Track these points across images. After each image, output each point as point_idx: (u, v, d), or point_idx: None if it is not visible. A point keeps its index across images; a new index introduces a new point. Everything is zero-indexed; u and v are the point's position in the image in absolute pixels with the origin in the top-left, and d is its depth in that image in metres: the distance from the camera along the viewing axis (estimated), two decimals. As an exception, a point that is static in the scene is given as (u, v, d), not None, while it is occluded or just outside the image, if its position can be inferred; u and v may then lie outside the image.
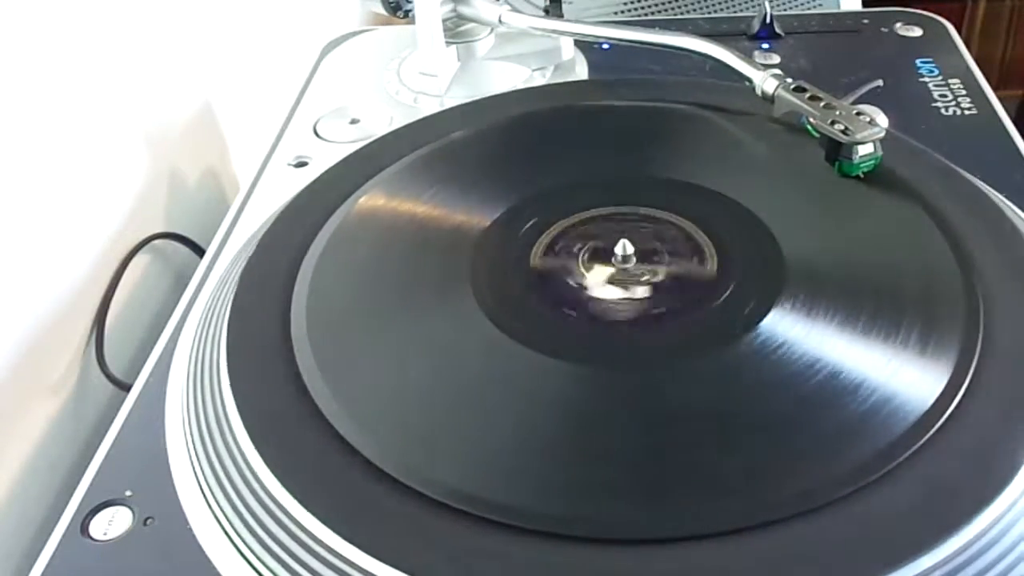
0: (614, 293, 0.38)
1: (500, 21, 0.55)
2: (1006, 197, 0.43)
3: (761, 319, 0.35)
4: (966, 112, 0.52)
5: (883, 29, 0.61)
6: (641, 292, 0.37)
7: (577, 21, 0.56)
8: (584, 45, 0.59)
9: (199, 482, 0.34)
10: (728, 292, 0.37)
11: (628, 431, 0.32)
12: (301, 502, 0.30)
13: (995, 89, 0.54)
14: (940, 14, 0.62)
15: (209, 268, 0.46)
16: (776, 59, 0.58)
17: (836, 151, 0.41)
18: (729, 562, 0.28)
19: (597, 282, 0.38)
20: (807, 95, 0.43)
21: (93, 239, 0.50)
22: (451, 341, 0.36)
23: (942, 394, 0.32)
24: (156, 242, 0.55)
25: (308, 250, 0.41)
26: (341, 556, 0.29)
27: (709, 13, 0.83)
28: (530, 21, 0.55)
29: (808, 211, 0.41)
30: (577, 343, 0.36)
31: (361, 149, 0.48)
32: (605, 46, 0.59)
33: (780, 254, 0.38)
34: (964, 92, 0.54)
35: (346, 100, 0.57)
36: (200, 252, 0.56)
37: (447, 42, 0.55)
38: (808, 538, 0.28)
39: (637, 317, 0.37)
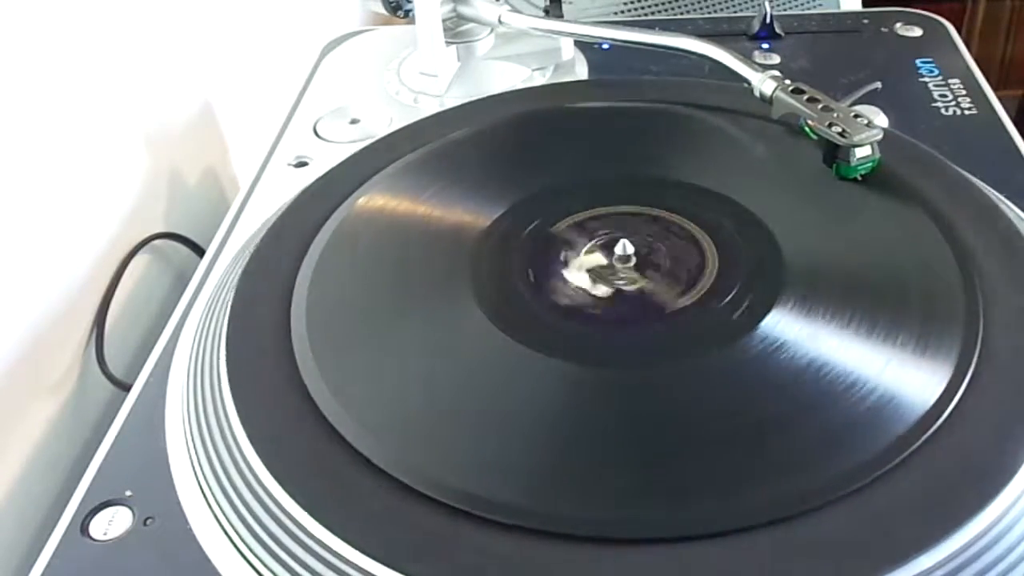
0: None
1: (500, 21, 0.55)
2: (1006, 197, 0.43)
3: (761, 319, 0.35)
4: (966, 112, 0.52)
5: (883, 29, 0.61)
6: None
7: (577, 21, 0.56)
8: (584, 45, 0.59)
9: (199, 482, 0.34)
10: (728, 292, 0.37)
11: (628, 431, 0.32)
12: (300, 502, 0.30)
13: (995, 89, 0.54)
14: (940, 14, 0.62)
15: (209, 268, 0.46)
16: (776, 59, 0.58)
17: (834, 153, 0.41)
18: (729, 562, 0.28)
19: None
20: (805, 97, 0.43)
21: (93, 239, 0.50)
22: (451, 341, 0.36)
23: (942, 394, 0.32)
24: (156, 242, 0.55)
25: (308, 250, 0.41)
26: (341, 556, 0.29)
27: (709, 13, 0.83)
28: (530, 21, 0.55)
29: (808, 211, 0.41)
30: (577, 343, 0.36)
31: (361, 149, 0.48)
32: (605, 46, 0.59)
33: (780, 254, 0.38)
34: (964, 92, 0.54)
35: (346, 100, 0.57)
36: (200, 252, 0.56)
37: (447, 42, 0.55)
38: (808, 538, 0.28)
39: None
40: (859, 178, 0.41)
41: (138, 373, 0.40)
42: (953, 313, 0.35)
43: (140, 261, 0.54)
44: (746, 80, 0.46)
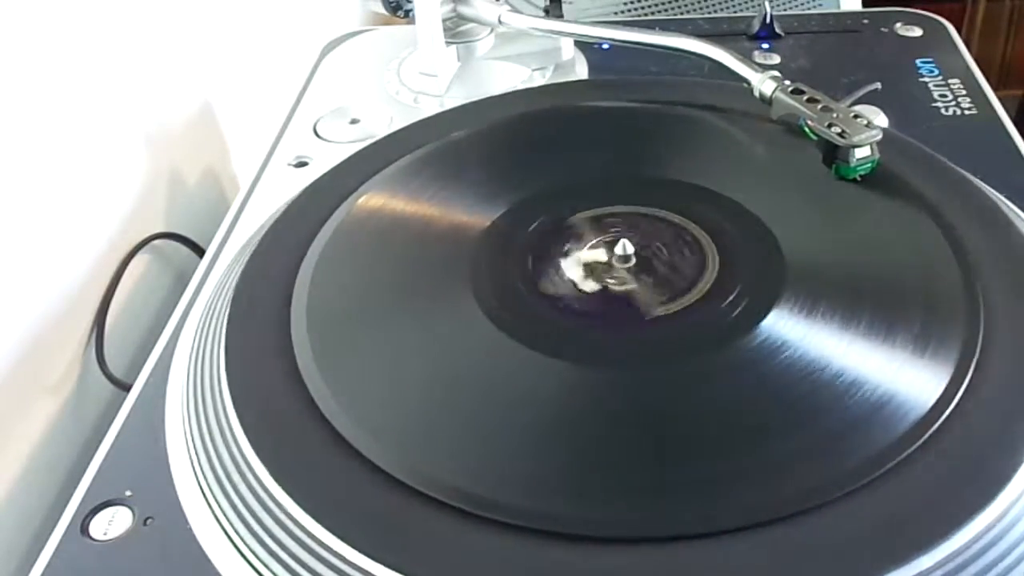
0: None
1: (500, 21, 0.55)
2: (1006, 197, 0.43)
3: (761, 319, 0.35)
4: (966, 112, 0.52)
5: (883, 29, 0.61)
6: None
7: (577, 21, 0.56)
8: (584, 45, 0.59)
9: (199, 482, 0.34)
10: (728, 292, 0.37)
11: (628, 431, 0.32)
12: (300, 503, 0.30)
13: (995, 89, 0.54)
14: (940, 14, 0.62)
15: (209, 268, 0.46)
16: (776, 59, 0.58)
17: (833, 154, 0.41)
18: (728, 562, 0.28)
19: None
20: (804, 97, 0.43)
21: (93, 239, 0.50)
22: (451, 341, 0.36)
23: (942, 394, 0.32)
24: (156, 242, 0.55)
25: (308, 250, 0.41)
26: (340, 556, 0.29)
27: (709, 13, 0.83)
28: (530, 21, 0.55)
29: (808, 211, 0.41)
30: (577, 343, 0.36)
31: (361, 149, 0.48)
32: (605, 46, 0.59)
33: (780, 254, 0.38)
34: (964, 92, 0.54)
35: (346, 100, 0.57)
36: (200, 252, 0.56)
37: (447, 42, 0.55)
38: (808, 538, 0.28)
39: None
40: (858, 179, 0.41)
41: (138, 373, 0.40)
42: (953, 313, 0.35)
43: (140, 261, 0.54)
44: (746, 80, 0.46)
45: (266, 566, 0.30)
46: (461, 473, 0.31)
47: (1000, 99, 0.53)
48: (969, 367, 0.33)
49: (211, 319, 0.39)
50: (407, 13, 0.58)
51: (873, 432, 0.31)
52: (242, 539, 0.31)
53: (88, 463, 0.36)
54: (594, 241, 0.40)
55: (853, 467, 0.30)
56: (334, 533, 0.29)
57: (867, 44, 0.60)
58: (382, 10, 0.58)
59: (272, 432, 0.33)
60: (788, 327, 0.35)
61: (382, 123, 0.54)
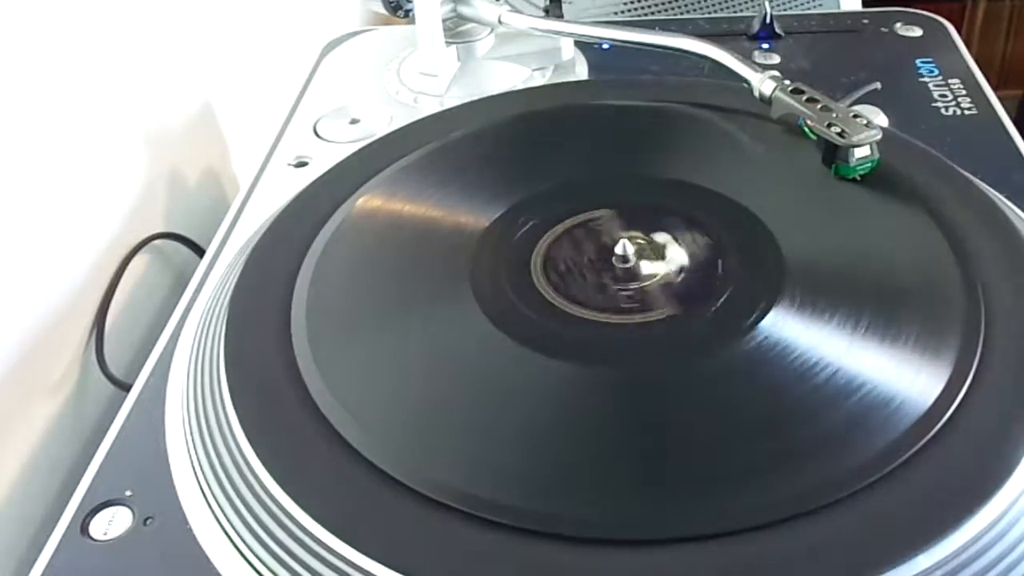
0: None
1: (500, 21, 0.55)
2: (1006, 197, 0.43)
3: (761, 319, 0.35)
4: (966, 112, 0.52)
5: (883, 29, 0.61)
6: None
7: (577, 21, 0.56)
8: (584, 45, 0.59)
9: (199, 482, 0.34)
10: (728, 292, 0.37)
11: (627, 431, 0.32)
12: (300, 502, 0.30)
13: (995, 89, 0.54)
14: (940, 14, 0.62)
15: (209, 268, 0.46)
16: (776, 59, 0.58)
17: (833, 154, 0.41)
18: (728, 562, 0.28)
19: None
20: (804, 97, 0.43)
21: (93, 239, 0.50)
22: (451, 341, 0.36)
23: (942, 394, 0.32)
24: (156, 242, 0.55)
25: (308, 250, 0.41)
26: (340, 556, 0.29)
27: (709, 13, 0.83)
28: (530, 21, 0.55)
29: (808, 211, 0.41)
30: (577, 343, 0.36)
31: (361, 149, 0.48)
32: (605, 46, 0.59)
33: (780, 254, 0.38)
34: (964, 92, 0.54)
35: (346, 100, 0.57)
36: (200, 252, 0.56)
37: (447, 42, 0.55)
38: (808, 538, 0.28)
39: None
40: (858, 179, 0.41)
41: (138, 373, 0.40)
42: (953, 313, 0.35)
43: (140, 261, 0.54)
44: (745, 80, 0.46)
45: (266, 566, 0.31)
46: (461, 473, 0.31)
47: (1000, 99, 0.53)
48: (969, 367, 0.33)
49: (211, 319, 0.39)
50: (407, 13, 0.58)
51: (873, 432, 0.31)
52: (242, 539, 0.31)
53: (88, 463, 0.36)
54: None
55: (853, 467, 0.30)
56: (334, 533, 0.29)
57: (867, 44, 0.60)
58: (382, 10, 0.58)
59: (272, 432, 0.33)
60: (788, 327, 0.35)
61: (382, 123, 0.54)
